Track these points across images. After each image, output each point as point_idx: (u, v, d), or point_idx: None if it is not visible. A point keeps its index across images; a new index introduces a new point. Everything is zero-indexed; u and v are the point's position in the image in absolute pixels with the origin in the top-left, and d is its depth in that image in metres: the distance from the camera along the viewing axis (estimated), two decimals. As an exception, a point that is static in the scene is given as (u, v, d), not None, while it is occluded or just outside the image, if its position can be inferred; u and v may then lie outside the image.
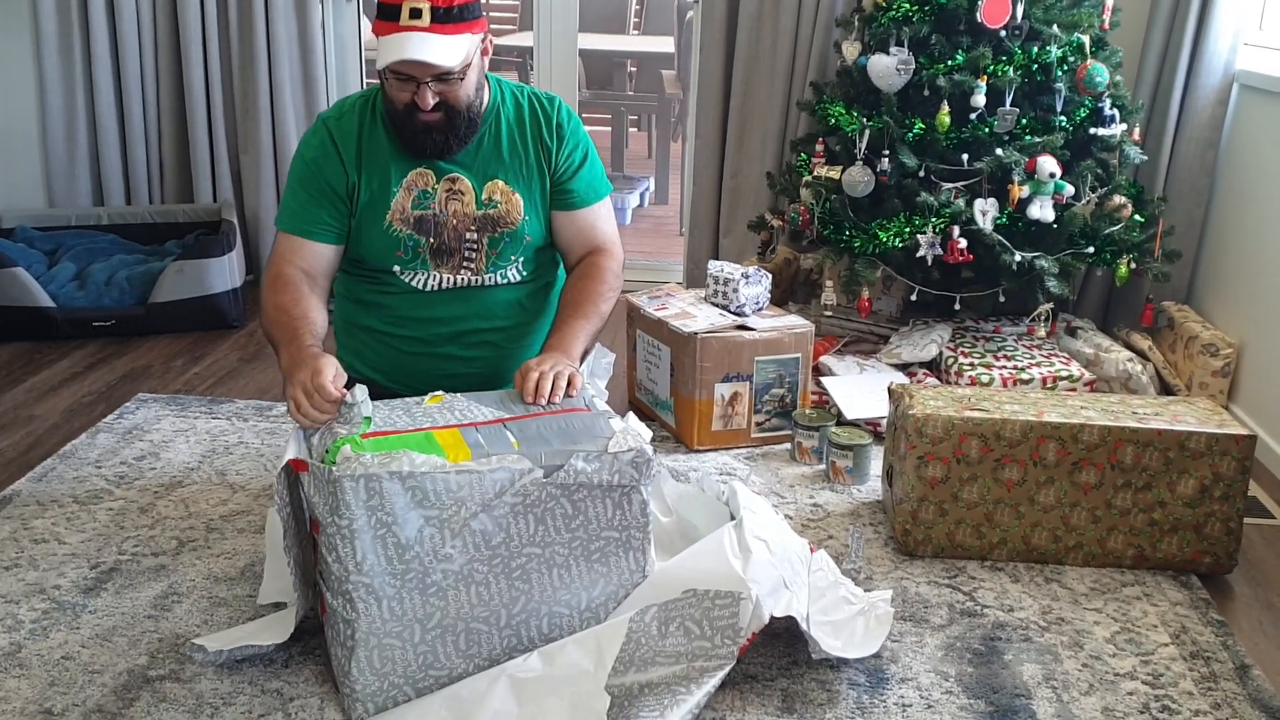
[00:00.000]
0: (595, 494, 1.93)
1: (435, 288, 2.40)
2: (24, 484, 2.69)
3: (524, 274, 2.44)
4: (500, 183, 2.38)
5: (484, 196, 2.37)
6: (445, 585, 1.89)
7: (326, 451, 1.88)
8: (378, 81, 2.33)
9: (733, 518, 2.13)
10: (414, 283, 2.39)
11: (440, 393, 2.10)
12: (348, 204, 2.36)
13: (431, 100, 2.23)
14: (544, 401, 2.05)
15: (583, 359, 2.30)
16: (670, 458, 2.94)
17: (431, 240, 2.36)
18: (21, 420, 3.08)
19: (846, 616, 2.10)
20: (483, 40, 2.29)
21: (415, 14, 2.16)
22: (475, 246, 2.38)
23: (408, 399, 2.09)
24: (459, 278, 2.39)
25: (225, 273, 3.78)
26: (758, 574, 1.97)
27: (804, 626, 2.00)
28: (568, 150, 2.42)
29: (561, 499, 1.92)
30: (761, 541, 2.03)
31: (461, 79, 2.23)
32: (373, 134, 2.36)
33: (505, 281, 2.43)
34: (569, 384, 2.10)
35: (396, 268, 2.38)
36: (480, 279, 2.40)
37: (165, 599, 2.24)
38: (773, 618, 1.96)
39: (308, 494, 1.91)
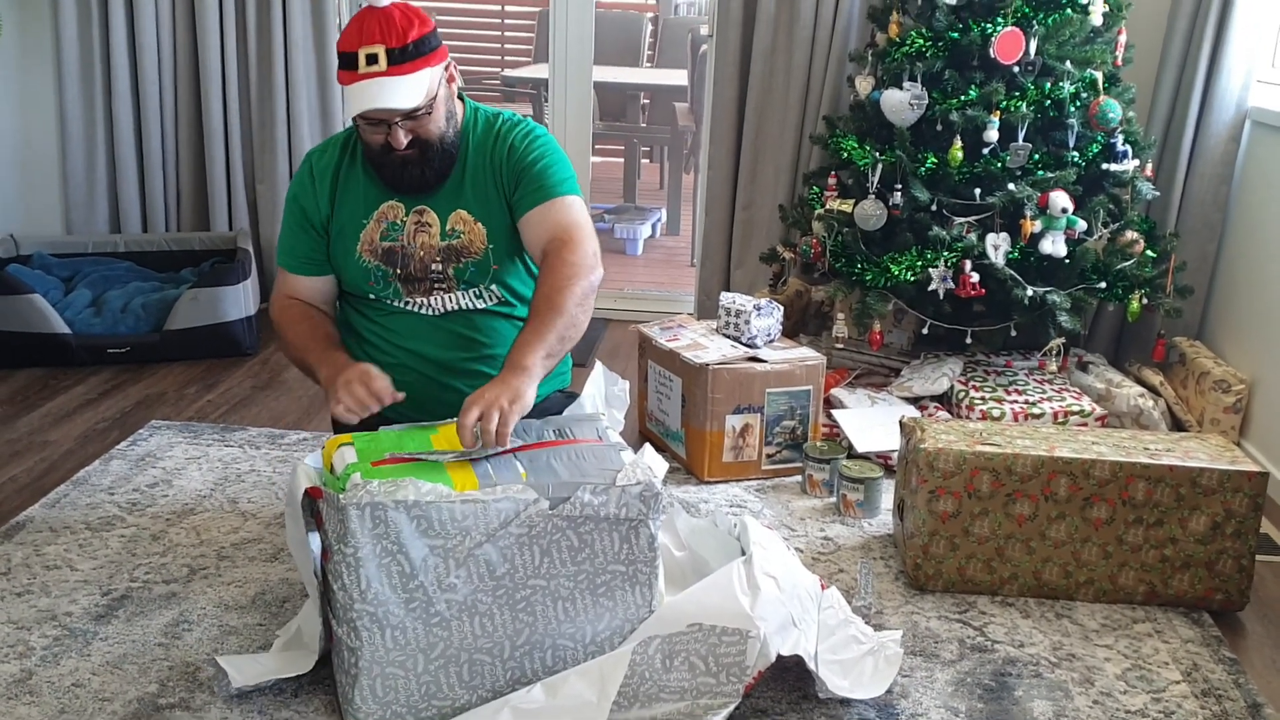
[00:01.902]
0: (602, 527, 1.93)
1: (416, 310, 2.42)
2: (37, 510, 2.70)
3: (501, 298, 2.43)
4: (463, 213, 2.39)
5: (448, 227, 2.39)
6: (449, 616, 1.89)
7: (337, 478, 1.90)
8: None
9: (744, 553, 2.12)
10: (394, 304, 2.42)
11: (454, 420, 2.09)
12: (325, 236, 2.43)
13: (405, 138, 2.27)
14: (487, 450, 1.98)
15: (559, 359, 2.22)
16: (681, 489, 2.94)
17: (399, 271, 2.39)
18: (36, 446, 3.09)
19: (855, 656, 2.09)
20: (445, 69, 2.32)
21: (371, 59, 2.19)
22: (441, 276, 2.40)
23: (423, 423, 2.10)
24: (432, 300, 2.41)
25: (240, 301, 3.80)
26: (766, 611, 1.96)
27: (811, 665, 1.99)
28: (516, 161, 2.37)
29: (568, 531, 1.92)
30: (771, 578, 2.02)
31: (429, 113, 2.27)
32: (350, 167, 2.42)
33: (483, 306, 2.42)
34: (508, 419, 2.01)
35: (371, 295, 2.43)
36: (455, 299, 2.41)
37: (176, 627, 2.24)
38: (780, 656, 1.96)
39: (324, 521, 1.92)
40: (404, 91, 2.21)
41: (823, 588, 2.16)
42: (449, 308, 2.42)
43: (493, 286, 2.42)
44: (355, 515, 1.82)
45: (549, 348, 2.15)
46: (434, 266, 2.39)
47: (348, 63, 2.23)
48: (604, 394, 2.35)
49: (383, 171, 2.36)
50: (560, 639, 1.96)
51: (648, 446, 2.07)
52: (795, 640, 1.99)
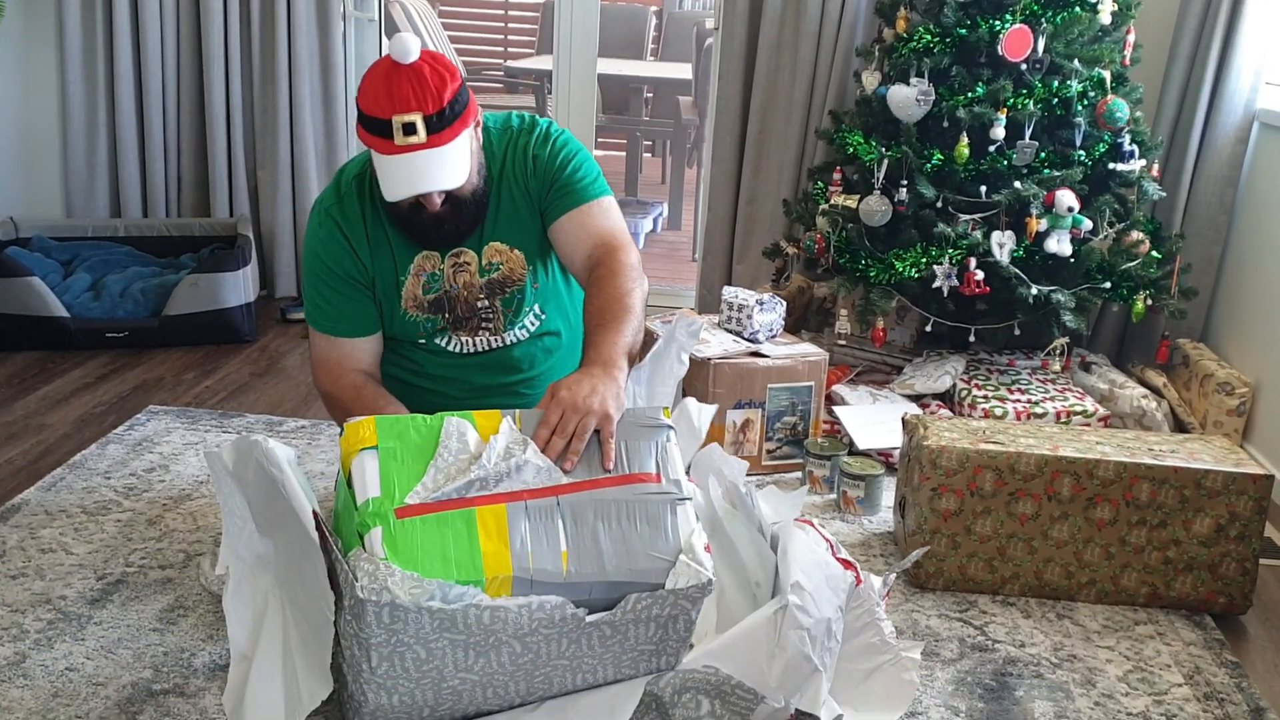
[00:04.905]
0: (641, 621, 1.79)
1: (459, 351, 2.37)
2: (33, 493, 2.68)
3: (541, 319, 2.39)
4: (497, 244, 2.29)
5: (484, 262, 2.30)
6: (462, 689, 1.79)
7: (356, 510, 1.75)
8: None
9: (777, 572, 2.00)
10: (439, 342, 2.37)
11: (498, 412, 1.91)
12: (372, 290, 2.31)
13: (439, 200, 2.13)
14: (559, 461, 1.83)
15: (634, 361, 2.11)
16: (681, 483, 2.92)
17: (447, 316, 2.33)
18: (32, 429, 3.07)
19: (870, 667, 2.03)
20: (475, 119, 2.16)
21: (409, 129, 2.01)
22: (489, 312, 2.33)
23: (459, 424, 1.87)
24: (478, 340, 2.36)
25: (239, 287, 3.78)
26: (789, 679, 1.88)
27: (822, 716, 1.93)
28: (544, 168, 2.27)
29: (603, 626, 1.77)
30: (802, 631, 1.89)
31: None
32: (376, 219, 2.26)
33: (526, 335, 2.39)
34: (600, 424, 1.88)
35: (421, 341, 2.36)
36: (501, 339, 2.37)
37: (171, 612, 2.22)
38: (797, 711, 1.92)
39: (330, 554, 1.78)
40: (449, 166, 2.06)
41: (858, 583, 2.04)
42: (493, 346, 2.37)
43: (535, 306, 2.36)
44: (373, 610, 1.66)
45: (628, 345, 2.04)
46: (479, 303, 2.32)
47: (378, 129, 2.03)
48: (674, 333, 2.21)
49: (412, 230, 2.22)
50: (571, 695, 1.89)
51: (690, 401, 1.92)
52: (814, 693, 1.90)
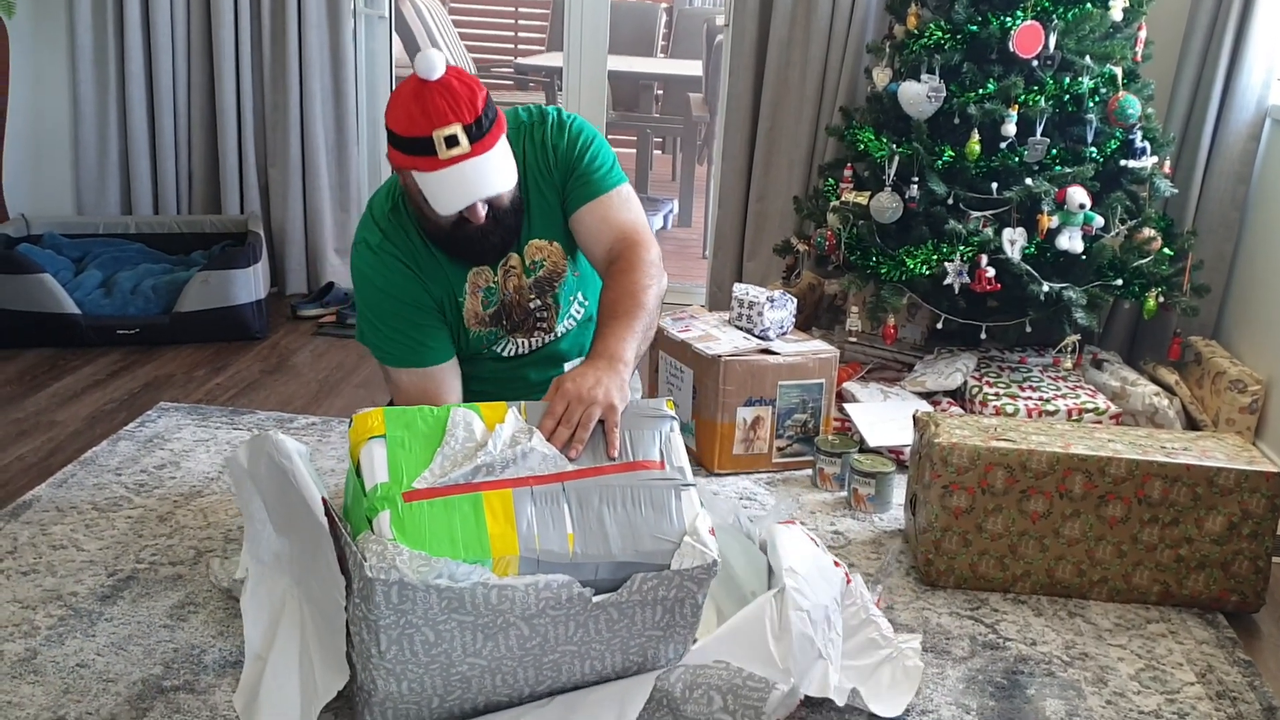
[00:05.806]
0: (648, 604, 1.81)
1: (514, 354, 2.40)
2: (44, 489, 2.69)
3: (585, 305, 2.41)
4: (536, 241, 2.30)
5: (528, 261, 2.30)
6: (470, 675, 1.80)
7: (365, 496, 1.76)
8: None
9: (771, 571, 2.02)
10: (496, 349, 2.39)
11: (504, 404, 1.93)
12: (442, 314, 2.30)
13: (483, 210, 2.10)
14: (565, 449, 1.85)
15: (641, 357, 2.13)
16: (691, 480, 2.92)
17: (505, 323, 2.34)
18: (43, 426, 3.08)
19: (873, 662, 2.04)
20: (504, 127, 2.14)
21: (452, 141, 2.00)
22: (543, 310, 2.34)
23: (466, 414, 1.89)
24: (533, 340, 2.38)
25: (250, 284, 3.79)
26: (795, 660, 1.88)
27: (834, 698, 1.93)
28: (562, 157, 2.26)
29: (609, 608, 1.79)
30: (802, 612, 1.91)
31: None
32: (424, 246, 2.24)
33: (574, 324, 2.42)
34: (607, 414, 1.90)
35: (483, 351, 2.38)
36: (553, 334, 2.40)
37: (182, 609, 2.23)
38: (806, 696, 1.92)
39: (340, 539, 1.80)
40: (497, 170, 2.06)
41: (847, 581, 2.10)
42: (545, 343, 2.40)
43: (578, 294, 2.38)
44: (381, 590, 1.67)
45: (638, 341, 2.05)
46: (531, 303, 2.33)
47: (421, 148, 2.02)
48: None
49: (460, 250, 2.20)
50: (582, 685, 1.89)
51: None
52: (822, 678, 1.92)
